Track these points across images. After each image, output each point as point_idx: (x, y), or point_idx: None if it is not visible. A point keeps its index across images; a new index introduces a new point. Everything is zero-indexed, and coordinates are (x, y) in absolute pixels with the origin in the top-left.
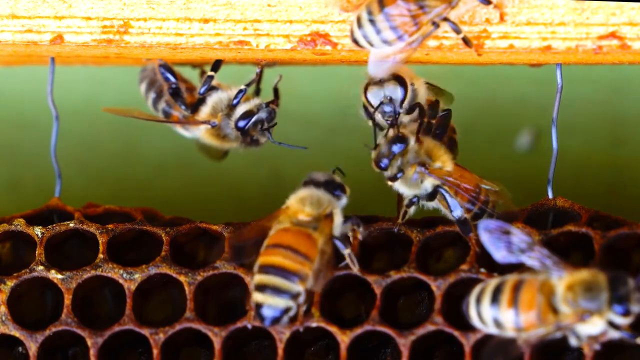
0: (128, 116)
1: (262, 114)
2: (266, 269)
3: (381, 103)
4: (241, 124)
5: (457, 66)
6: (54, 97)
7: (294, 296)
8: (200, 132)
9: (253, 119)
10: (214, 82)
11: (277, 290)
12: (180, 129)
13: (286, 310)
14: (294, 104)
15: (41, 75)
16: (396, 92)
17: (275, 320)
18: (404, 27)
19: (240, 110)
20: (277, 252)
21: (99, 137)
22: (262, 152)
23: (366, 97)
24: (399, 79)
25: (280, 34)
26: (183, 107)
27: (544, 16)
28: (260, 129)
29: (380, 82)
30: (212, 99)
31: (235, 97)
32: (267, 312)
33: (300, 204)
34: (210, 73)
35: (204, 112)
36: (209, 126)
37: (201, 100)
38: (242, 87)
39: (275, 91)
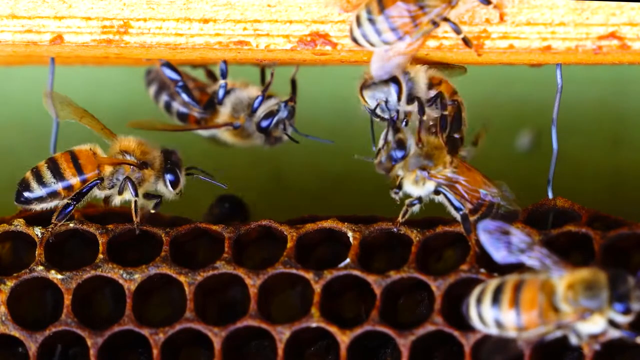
0: (152, 129)
1: (283, 113)
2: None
3: (377, 105)
4: (264, 124)
5: None
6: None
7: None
8: (221, 132)
9: (275, 119)
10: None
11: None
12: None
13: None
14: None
15: (41, 75)
16: (390, 92)
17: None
18: (404, 28)
19: (262, 111)
20: None
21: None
22: (262, 152)
23: (363, 98)
24: (391, 77)
25: (280, 34)
26: (197, 106)
27: (544, 16)
28: (282, 127)
29: (374, 84)
30: (231, 100)
31: (255, 101)
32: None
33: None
34: (222, 81)
35: (224, 113)
36: (231, 127)
37: (214, 100)
38: (260, 93)
39: (293, 84)
